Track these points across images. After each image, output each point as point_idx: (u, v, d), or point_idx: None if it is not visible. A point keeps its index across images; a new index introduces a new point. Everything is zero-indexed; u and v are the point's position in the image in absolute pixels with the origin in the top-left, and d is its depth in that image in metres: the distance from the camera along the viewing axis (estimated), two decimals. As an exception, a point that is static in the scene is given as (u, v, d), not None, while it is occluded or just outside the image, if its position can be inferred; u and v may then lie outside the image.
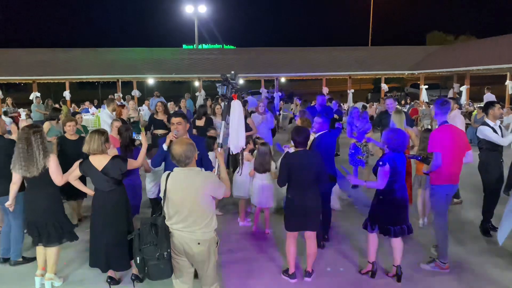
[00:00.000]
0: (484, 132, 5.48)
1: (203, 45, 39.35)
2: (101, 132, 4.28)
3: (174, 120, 4.52)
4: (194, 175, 3.24)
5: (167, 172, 3.32)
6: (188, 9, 28.93)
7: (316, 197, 4.32)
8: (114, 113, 8.61)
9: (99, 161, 4.13)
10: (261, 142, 6.13)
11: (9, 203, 4.38)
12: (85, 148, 4.20)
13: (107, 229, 4.06)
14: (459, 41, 40.75)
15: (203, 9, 29.06)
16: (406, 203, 4.34)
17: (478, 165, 5.70)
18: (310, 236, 4.38)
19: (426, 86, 20.36)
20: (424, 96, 19.76)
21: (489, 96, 15.92)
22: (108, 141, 4.29)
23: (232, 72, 4.38)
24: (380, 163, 4.18)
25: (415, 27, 69.44)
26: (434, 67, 20.36)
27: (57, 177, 4.23)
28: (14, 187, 4.31)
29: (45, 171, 4.17)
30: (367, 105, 16.39)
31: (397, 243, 4.36)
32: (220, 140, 4.32)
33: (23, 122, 11.27)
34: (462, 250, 5.16)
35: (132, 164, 4.35)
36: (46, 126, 6.81)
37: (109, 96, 8.79)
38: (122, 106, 7.50)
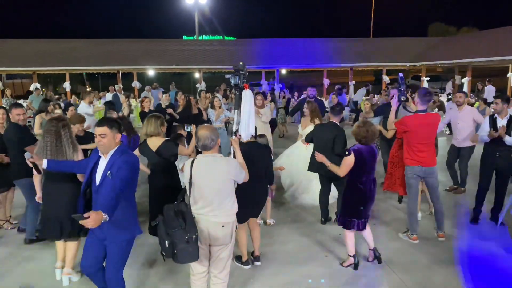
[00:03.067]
0: (483, 121, 5.80)
1: (204, 36, 39.13)
2: (157, 117, 4.74)
3: (98, 130, 3.27)
4: (217, 161, 3.39)
5: (190, 159, 3.43)
6: (188, 0, 28.71)
7: (262, 190, 4.49)
8: (91, 105, 9.01)
9: (154, 143, 4.59)
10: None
11: (39, 196, 4.31)
12: (143, 131, 4.71)
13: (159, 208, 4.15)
14: (461, 32, 40.47)
15: (203, 0, 28.83)
16: (372, 196, 4.47)
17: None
18: (253, 222, 4.60)
19: (428, 78, 20.27)
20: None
21: (490, 89, 15.84)
22: (163, 125, 4.73)
23: (241, 63, 4.46)
24: (346, 152, 4.34)
25: (416, 19, 69.03)
26: (435, 58, 20.27)
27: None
28: (37, 179, 4.28)
29: None
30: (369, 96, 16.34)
31: (365, 231, 4.53)
32: (234, 128, 4.40)
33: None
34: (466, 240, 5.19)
35: (183, 150, 4.68)
36: (37, 119, 6.90)
37: (87, 89, 9.40)
38: (145, 98, 7.93)
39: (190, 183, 3.35)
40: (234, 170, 3.40)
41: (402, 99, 5.42)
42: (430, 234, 5.36)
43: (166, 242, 3.23)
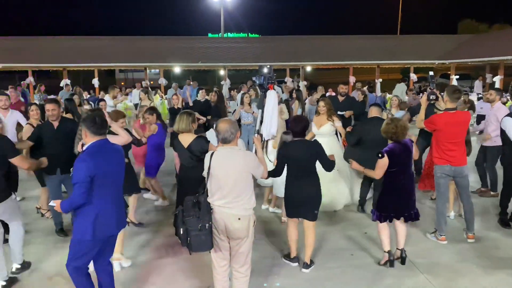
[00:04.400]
0: (505, 123, 5.42)
1: (228, 33, 39.29)
2: (189, 113, 4.82)
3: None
4: (236, 153, 3.45)
5: (211, 151, 3.52)
6: (214, -3, 28.89)
7: (313, 187, 4.32)
8: (113, 100, 9.87)
9: (185, 139, 4.72)
10: (284, 130, 6.10)
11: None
12: (175, 127, 4.82)
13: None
14: (493, 29, 39.20)
15: (229, -3, 28.94)
16: (411, 191, 4.43)
17: (500, 157, 5.63)
18: (308, 226, 4.41)
19: (457, 77, 19.73)
20: (454, 86, 19.10)
21: (523, 87, 15.31)
22: (194, 122, 4.84)
23: (269, 66, 4.56)
24: (379, 155, 4.23)
25: (446, 16, 67.19)
26: (465, 56, 19.72)
27: (124, 138, 4.42)
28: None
29: None
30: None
31: (400, 227, 4.47)
32: (257, 127, 4.45)
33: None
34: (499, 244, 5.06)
35: (213, 147, 4.67)
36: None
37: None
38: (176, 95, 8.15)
39: (208, 174, 3.42)
40: (252, 163, 3.45)
41: (432, 98, 5.33)
42: (459, 235, 5.25)
43: (181, 229, 3.36)
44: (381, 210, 4.44)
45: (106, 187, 3.32)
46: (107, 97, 9.82)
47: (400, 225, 4.49)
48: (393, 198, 4.38)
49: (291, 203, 4.38)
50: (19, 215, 4.38)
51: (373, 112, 5.81)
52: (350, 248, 4.98)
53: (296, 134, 4.37)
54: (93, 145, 3.33)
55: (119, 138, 4.40)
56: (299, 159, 4.25)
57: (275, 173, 4.34)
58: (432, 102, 5.45)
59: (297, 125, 4.36)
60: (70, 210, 3.33)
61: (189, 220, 3.32)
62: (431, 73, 5.49)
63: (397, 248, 4.58)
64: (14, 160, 4.16)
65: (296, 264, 4.53)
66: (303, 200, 4.29)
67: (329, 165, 4.35)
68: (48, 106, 5.25)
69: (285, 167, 4.36)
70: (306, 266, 4.45)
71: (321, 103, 6.46)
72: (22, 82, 18.25)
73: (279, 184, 5.74)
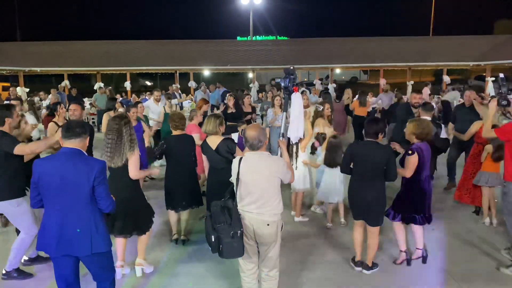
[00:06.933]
0: None
1: (257, 36, 39.43)
2: (217, 116, 4.92)
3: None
4: (266, 158, 3.45)
5: (239, 156, 3.52)
6: (243, 1, 29.08)
7: (377, 190, 4.20)
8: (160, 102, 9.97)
9: (213, 141, 4.80)
10: (331, 135, 5.97)
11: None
12: (203, 129, 4.95)
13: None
14: (532, 29, 37.63)
15: (258, 0, 29.07)
16: (430, 192, 4.49)
17: None
18: (370, 230, 4.35)
19: (493, 79, 19.04)
20: (490, 89, 18.49)
21: None
22: (222, 124, 4.89)
23: (291, 67, 4.46)
24: (409, 152, 4.25)
25: (481, 16, 64.91)
26: (502, 57, 19.04)
27: (135, 170, 4.03)
28: None
29: (127, 163, 4.03)
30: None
31: (416, 228, 4.52)
32: (282, 130, 4.44)
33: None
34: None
35: (239, 152, 4.71)
36: (105, 118, 7.16)
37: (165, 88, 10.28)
38: (206, 101, 8.05)
39: (238, 179, 3.41)
40: (282, 168, 3.43)
41: (503, 104, 4.73)
42: (494, 245, 5.04)
43: (212, 236, 3.36)
44: (398, 210, 4.47)
45: (52, 199, 3.03)
46: (150, 100, 10.24)
47: (416, 227, 4.53)
48: (411, 198, 4.40)
49: (356, 205, 4.35)
50: (25, 224, 4.20)
51: (421, 114, 5.76)
52: (379, 254, 4.87)
53: (368, 135, 4.31)
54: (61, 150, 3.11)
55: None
56: (368, 160, 4.17)
57: (341, 169, 4.54)
58: (502, 106, 4.80)
59: (369, 127, 4.25)
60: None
61: (220, 228, 3.32)
62: (501, 75, 4.86)
63: (417, 248, 4.60)
64: (16, 150, 3.99)
65: (360, 268, 4.44)
66: (367, 202, 4.23)
67: (393, 175, 4.15)
68: (71, 107, 5.43)
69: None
70: (367, 268, 4.43)
71: (328, 106, 6.42)
72: (59, 86, 18.95)
73: (325, 190, 5.74)
